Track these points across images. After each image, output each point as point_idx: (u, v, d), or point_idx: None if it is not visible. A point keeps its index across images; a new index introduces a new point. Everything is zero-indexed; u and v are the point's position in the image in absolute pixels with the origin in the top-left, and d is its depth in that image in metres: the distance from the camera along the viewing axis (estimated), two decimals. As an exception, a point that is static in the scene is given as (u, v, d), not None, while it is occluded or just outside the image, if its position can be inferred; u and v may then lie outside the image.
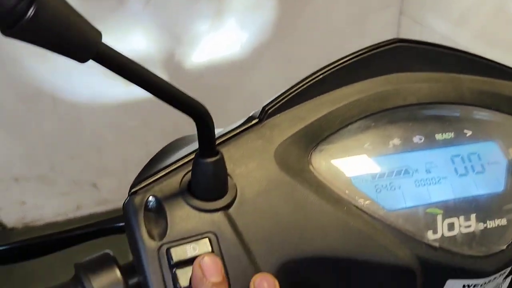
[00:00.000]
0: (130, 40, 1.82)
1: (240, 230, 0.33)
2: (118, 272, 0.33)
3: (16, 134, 1.88)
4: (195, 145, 0.36)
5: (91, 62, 0.26)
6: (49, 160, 1.94)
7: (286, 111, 0.39)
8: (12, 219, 2.03)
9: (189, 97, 0.29)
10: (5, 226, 2.02)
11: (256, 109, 0.40)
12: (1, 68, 1.73)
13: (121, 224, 0.38)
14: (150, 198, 0.33)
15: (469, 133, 0.41)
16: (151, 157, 0.42)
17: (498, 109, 0.43)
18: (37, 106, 1.83)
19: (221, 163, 0.32)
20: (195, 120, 0.31)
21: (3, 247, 0.40)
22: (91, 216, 2.20)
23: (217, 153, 0.32)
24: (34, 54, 1.74)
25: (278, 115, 0.38)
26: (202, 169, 0.32)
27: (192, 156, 0.34)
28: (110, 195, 2.12)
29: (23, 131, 1.88)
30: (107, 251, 0.35)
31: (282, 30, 1.94)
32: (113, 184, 2.16)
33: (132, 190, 0.33)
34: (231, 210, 0.33)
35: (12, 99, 1.79)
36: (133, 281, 0.33)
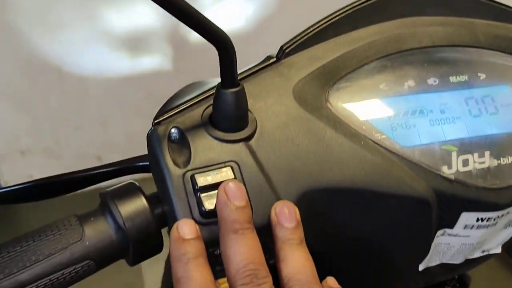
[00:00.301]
0: (136, 12, 1.82)
1: (260, 160, 0.33)
2: (144, 200, 0.34)
3: (22, 108, 1.88)
4: (213, 84, 0.36)
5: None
6: (55, 133, 1.95)
7: (304, 50, 0.39)
8: (19, 193, 2.05)
9: (214, 25, 0.30)
10: (13, 199, 2.05)
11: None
12: (7, 42, 1.73)
13: (143, 163, 0.39)
14: (173, 129, 0.33)
15: (482, 76, 0.42)
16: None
17: (510, 53, 0.43)
18: (43, 80, 1.84)
19: (242, 95, 0.33)
20: (218, 49, 0.31)
21: (28, 184, 0.41)
22: (95, 189, 2.22)
23: (238, 84, 0.33)
24: (40, 28, 1.74)
25: (296, 54, 0.39)
26: (224, 100, 0.33)
27: (213, 91, 0.35)
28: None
29: (29, 104, 1.88)
30: (132, 181, 0.36)
31: (287, 3, 1.93)
32: (117, 157, 2.14)
33: (156, 121, 0.34)
34: (251, 141, 0.34)
35: (18, 72, 1.79)
36: (158, 210, 0.34)
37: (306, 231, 0.36)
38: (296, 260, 0.31)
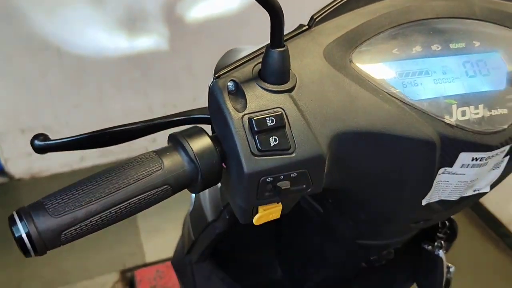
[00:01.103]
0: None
1: (301, 108, 0.41)
2: (209, 139, 0.41)
3: (22, 86, 1.92)
4: (248, 50, 0.44)
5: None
6: (54, 111, 2.00)
7: (331, 20, 0.47)
8: (19, 170, 2.09)
9: None
10: (13, 176, 2.09)
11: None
12: (8, 21, 1.76)
13: (200, 115, 0.46)
14: (230, 82, 0.41)
15: (477, 43, 0.50)
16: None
17: (503, 25, 0.51)
18: (43, 58, 1.88)
19: (286, 54, 0.40)
20: (270, 15, 0.38)
21: (92, 134, 0.47)
22: (94, 167, 2.28)
23: (284, 45, 0.40)
24: (40, 7, 1.77)
25: (324, 23, 0.47)
26: (272, 58, 0.40)
27: (260, 51, 0.42)
28: (112, 146, 2.17)
29: (28, 83, 1.92)
30: (197, 125, 0.43)
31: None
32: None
33: (215, 76, 0.42)
34: (293, 92, 0.41)
35: (19, 50, 1.83)
36: (218, 148, 0.42)
37: (335, 167, 0.44)
38: None
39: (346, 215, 0.58)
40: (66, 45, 1.89)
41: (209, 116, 0.45)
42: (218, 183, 0.43)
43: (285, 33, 0.46)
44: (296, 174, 0.40)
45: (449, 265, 0.77)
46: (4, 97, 1.93)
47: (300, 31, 0.46)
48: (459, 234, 0.73)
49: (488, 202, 2.00)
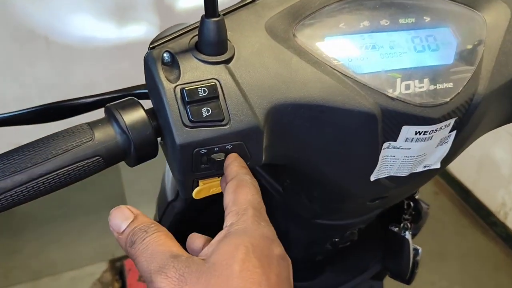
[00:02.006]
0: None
1: (237, 79, 0.41)
2: (143, 111, 0.41)
3: (9, 75, 1.92)
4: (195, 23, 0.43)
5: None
6: (42, 100, 1.99)
7: None
8: (8, 159, 2.09)
9: None
10: (2, 166, 2.10)
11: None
12: (-6, 8, 1.76)
13: (141, 90, 0.46)
14: (165, 52, 0.41)
15: (428, 19, 0.49)
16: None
17: (454, 0, 0.51)
18: (31, 47, 1.88)
19: (222, 24, 0.40)
20: None
21: (38, 108, 0.47)
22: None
23: (219, 15, 0.40)
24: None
25: None
26: (207, 28, 0.40)
27: (197, 24, 0.42)
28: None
29: (16, 72, 1.92)
30: (132, 97, 0.43)
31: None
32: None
33: (151, 46, 0.41)
34: (230, 64, 0.41)
35: (6, 39, 1.83)
36: (154, 122, 0.41)
37: (275, 140, 0.43)
38: None
39: (301, 193, 0.58)
40: (54, 34, 1.89)
41: (141, 90, 0.45)
42: (154, 156, 0.43)
43: (229, 6, 0.46)
44: (231, 146, 0.40)
45: (417, 247, 0.77)
46: (-8, 87, 1.93)
47: (243, 4, 0.46)
48: (447, 222, 0.74)
49: (477, 190, 2.00)
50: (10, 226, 1.88)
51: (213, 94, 0.39)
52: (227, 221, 0.36)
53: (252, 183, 0.39)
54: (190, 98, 0.39)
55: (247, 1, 0.46)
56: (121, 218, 0.37)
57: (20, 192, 0.37)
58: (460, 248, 1.88)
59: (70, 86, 2.02)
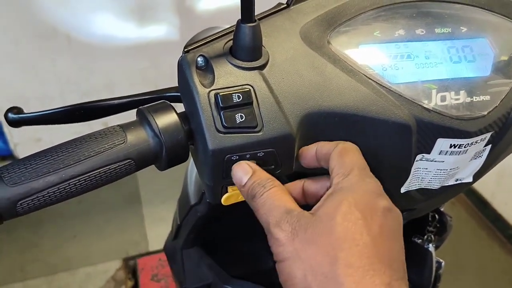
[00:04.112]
0: (145, -20, 1.86)
1: (271, 85, 0.40)
2: (176, 115, 0.41)
3: (31, 72, 1.94)
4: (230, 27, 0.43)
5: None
6: (63, 99, 2.01)
7: None
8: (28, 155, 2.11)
9: None
10: (21, 160, 2.12)
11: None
12: (18, 6, 1.78)
13: (172, 93, 0.46)
14: (200, 57, 0.40)
15: (464, 29, 0.48)
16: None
17: (491, 10, 0.49)
18: (52, 44, 1.89)
19: (258, 29, 0.39)
20: None
21: (68, 108, 0.47)
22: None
23: (255, 20, 0.39)
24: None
25: (304, 2, 0.45)
26: (243, 33, 0.39)
27: (233, 28, 0.41)
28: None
29: (38, 69, 1.94)
30: (164, 100, 0.42)
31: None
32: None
33: (185, 50, 0.41)
34: (264, 70, 0.41)
35: (28, 36, 1.84)
36: (186, 126, 0.41)
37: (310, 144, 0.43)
38: None
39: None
40: (75, 32, 1.90)
41: (173, 93, 0.44)
42: (184, 161, 0.42)
43: (263, 11, 0.45)
44: (263, 153, 0.40)
45: (440, 260, 0.75)
46: (13, 83, 1.95)
47: (277, 9, 0.45)
48: (464, 234, 0.72)
49: (495, 202, 1.97)
50: (28, 220, 1.90)
51: (247, 100, 0.39)
52: (334, 181, 0.39)
53: (355, 146, 0.42)
54: (224, 104, 0.38)
55: (282, 7, 0.45)
56: (242, 172, 0.40)
57: (52, 193, 0.36)
58: (477, 260, 1.85)
59: (90, 84, 2.04)
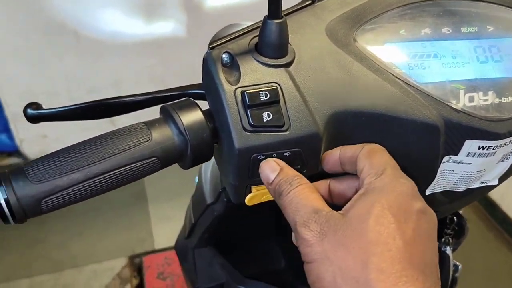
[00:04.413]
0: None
1: (298, 84, 0.39)
2: (201, 113, 0.40)
3: (38, 68, 1.93)
4: (249, 24, 0.42)
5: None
6: (69, 95, 2.00)
7: None
8: (33, 152, 2.11)
9: None
10: (27, 157, 2.11)
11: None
12: (27, 1, 1.77)
13: (195, 90, 0.45)
14: (225, 53, 0.39)
15: (491, 28, 0.47)
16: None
17: None
18: (60, 40, 1.88)
19: (285, 26, 0.39)
20: None
21: (88, 104, 0.46)
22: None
23: (282, 16, 0.38)
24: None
25: None
26: (269, 29, 0.38)
27: (258, 24, 0.40)
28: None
29: (45, 64, 1.93)
30: (189, 98, 0.41)
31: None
32: (130, 121, 2.20)
33: (210, 46, 0.40)
34: (291, 68, 0.40)
35: (36, 32, 1.84)
36: (211, 124, 0.40)
37: (337, 145, 0.42)
38: None
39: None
40: (83, 28, 1.89)
41: (197, 91, 0.43)
42: (209, 159, 0.41)
43: (288, 8, 0.44)
44: (290, 153, 0.39)
45: (457, 263, 0.74)
46: (20, 78, 1.94)
47: (302, 5, 0.44)
48: (472, 236, 0.71)
49: (504, 204, 1.96)
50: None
51: (274, 99, 0.38)
52: (366, 182, 0.37)
53: (382, 147, 0.41)
54: (251, 102, 0.37)
55: (307, 3, 0.44)
56: (269, 170, 0.39)
57: (76, 191, 0.36)
58: (484, 263, 1.84)
59: (97, 81, 2.03)
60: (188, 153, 0.39)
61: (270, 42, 0.39)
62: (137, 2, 1.91)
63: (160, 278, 1.70)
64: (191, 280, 0.79)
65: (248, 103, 0.37)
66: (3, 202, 0.34)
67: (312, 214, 0.36)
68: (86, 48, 1.93)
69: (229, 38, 0.40)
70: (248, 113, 0.37)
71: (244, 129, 0.37)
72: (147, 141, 0.38)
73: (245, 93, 0.37)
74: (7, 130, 2.07)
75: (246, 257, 0.81)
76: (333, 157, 0.41)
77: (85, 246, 1.80)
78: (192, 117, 0.39)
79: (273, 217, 0.77)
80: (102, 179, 0.36)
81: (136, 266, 1.78)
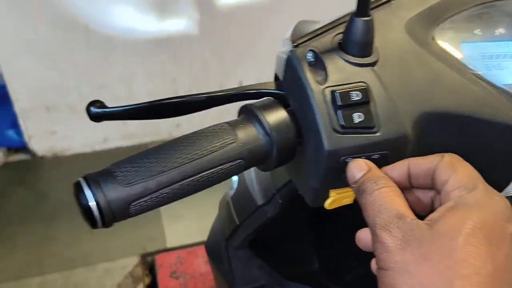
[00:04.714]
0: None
1: (385, 84, 0.38)
2: (285, 112, 0.38)
3: (48, 63, 1.91)
4: (317, 24, 0.41)
5: None
6: (79, 90, 1.98)
7: None
8: (42, 148, 2.09)
9: None
10: (35, 154, 2.09)
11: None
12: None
13: (266, 90, 0.43)
14: (310, 52, 0.38)
15: None
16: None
17: None
18: (71, 36, 1.86)
19: (372, 24, 0.37)
20: None
21: (153, 103, 0.44)
22: (117, 149, 2.27)
23: (370, 14, 0.37)
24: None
25: None
26: (357, 27, 0.37)
27: (340, 21, 0.39)
28: (136, 129, 2.17)
29: (55, 59, 1.91)
30: (270, 97, 0.40)
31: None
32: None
33: (294, 45, 0.39)
34: (376, 67, 0.38)
35: (47, 26, 1.81)
36: (294, 124, 0.39)
37: (416, 152, 0.40)
38: None
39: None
40: (94, 24, 1.87)
41: (275, 90, 0.42)
42: (291, 160, 0.40)
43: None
44: (378, 155, 0.37)
45: None
46: (30, 73, 1.92)
47: (379, 3, 0.43)
48: None
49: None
50: (41, 212, 1.88)
51: (365, 99, 0.36)
52: (455, 195, 0.35)
53: (461, 158, 0.38)
54: (343, 102, 0.36)
55: (382, 1, 0.43)
56: (356, 169, 0.37)
57: (165, 194, 0.34)
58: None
59: (108, 76, 2.01)
60: (273, 154, 0.38)
61: (357, 40, 0.37)
62: (149, -2, 1.89)
63: (173, 277, 1.69)
64: (228, 281, 0.77)
65: (339, 103, 0.36)
66: (93, 206, 0.33)
67: (395, 219, 0.34)
68: (97, 43, 1.91)
69: (311, 36, 0.39)
70: (339, 113, 0.36)
71: (335, 130, 0.36)
72: (234, 142, 0.36)
73: (336, 92, 0.36)
74: (15, 125, 2.04)
75: (280, 259, 0.80)
76: (399, 170, 0.38)
77: (96, 244, 1.79)
78: (277, 117, 0.38)
79: (306, 216, 0.76)
80: (190, 181, 0.35)
81: (148, 265, 1.76)
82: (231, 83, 2.14)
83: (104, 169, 0.34)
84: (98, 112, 0.44)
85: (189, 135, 0.37)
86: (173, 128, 2.14)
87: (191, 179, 0.35)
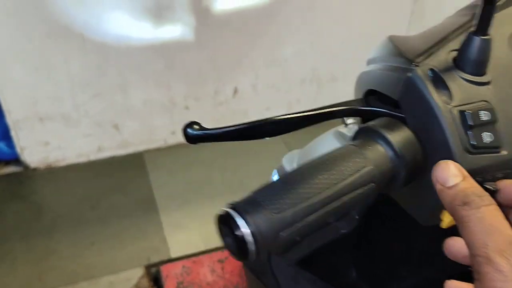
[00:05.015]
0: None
1: (503, 102, 0.38)
2: (412, 133, 0.38)
3: (43, 72, 1.86)
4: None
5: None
6: (73, 100, 1.94)
7: (508, 8, 0.44)
8: (35, 159, 2.03)
9: None
10: (28, 166, 2.03)
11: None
12: (32, 3, 1.70)
13: (361, 107, 0.43)
14: (430, 70, 0.38)
15: None
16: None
17: None
18: (66, 44, 1.82)
19: (490, 43, 0.37)
20: (485, 2, 0.35)
21: (252, 124, 0.43)
22: (112, 158, 2.22)
23: (488, 33, 0.37)
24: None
25: (502, 10, 0.43)
26: (476, 45, 0.37)
27: (451, 37, 0.39)
28: (130, 137, 2.14)
29: (50, 68, 1.86)
30: (389, 117, 0.40)
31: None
32: (134, 126, 2.17)
33: (413, 63, 0.38)
34: (491, 85, 0.39)
35: (42, 35, 1.77)
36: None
37: None
38: None
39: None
40: (89, 32, 1.83)
41: (390, 111, 0.41)
42: (413, 181, 0.39)
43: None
44: (502, 174, 0.37)
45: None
46: (23, 83, 1.86)
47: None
48: None
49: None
50: (41, 225, 1.82)
51: (494, 118, 0.36)
52: None
53: None
54: (473, 122, 0.36)
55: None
56: (449, 173, 0.35)
57: (310, 221, 0.33)
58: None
59: (103, 85, 1.97)
60: (401, 176, 0.37)
61: (475, 59, 0.38)
62: (145, 6, 1.86)
63: (180, 287, 1.67)
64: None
65: (470, 123, 0.36)
66: (249, 236, 0.31)
67: (510, 245, 0.31)
68: (92, 52, 1.87)
69: (427, 54, 0.39)
70: (469, 134, 0.36)
71: (466, 150, 0.36)
72: (365, 166, 0.36)
73: (465, 112, 0.36)
74: (6, 138, 1.98)
75: (322, 270, 0.79)
76: None
77: (98, 257, 1.75)
78: (403, 137, 0.37)
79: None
80: (330, 208, 0.34)
81: (153, 276, 1.74)
82: (226, 90, 2.13)
83: (248, 196, 0.33)
84: (197, 134, 0.43)
85: (318, 159, 0.36)
86: (169, 136, 2.11)
87: (330, 205, 0.34)
